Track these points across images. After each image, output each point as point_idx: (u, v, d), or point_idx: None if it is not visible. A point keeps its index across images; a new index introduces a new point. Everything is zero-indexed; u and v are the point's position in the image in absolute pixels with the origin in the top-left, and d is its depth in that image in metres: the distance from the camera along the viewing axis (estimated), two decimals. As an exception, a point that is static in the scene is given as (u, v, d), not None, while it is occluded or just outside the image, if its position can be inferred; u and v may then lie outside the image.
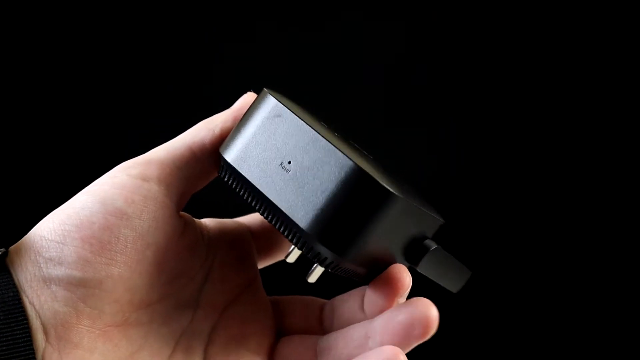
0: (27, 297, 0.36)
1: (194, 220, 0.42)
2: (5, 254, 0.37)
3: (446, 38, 0.86)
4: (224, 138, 0.40)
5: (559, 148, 0.84)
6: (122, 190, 0.38)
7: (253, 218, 0.45)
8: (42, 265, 0.36)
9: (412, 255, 0.40)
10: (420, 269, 0.40)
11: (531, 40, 0.85)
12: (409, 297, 0.38)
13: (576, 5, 0.84)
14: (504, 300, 0.81)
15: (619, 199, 0.82)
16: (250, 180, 0.37)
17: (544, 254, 0.81)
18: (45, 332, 0.35)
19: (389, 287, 0.38)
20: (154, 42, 0.83)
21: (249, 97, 0.41)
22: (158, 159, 0.39)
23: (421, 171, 0.83)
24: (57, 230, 0.37)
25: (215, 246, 0.42)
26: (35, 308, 0.36)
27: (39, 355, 0.35)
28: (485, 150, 0.85)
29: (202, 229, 0.42)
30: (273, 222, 0.37)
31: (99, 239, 0.36)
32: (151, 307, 0.39)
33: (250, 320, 0.42)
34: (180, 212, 0.41)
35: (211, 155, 0.40)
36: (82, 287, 0.36)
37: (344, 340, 0.38)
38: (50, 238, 0.37)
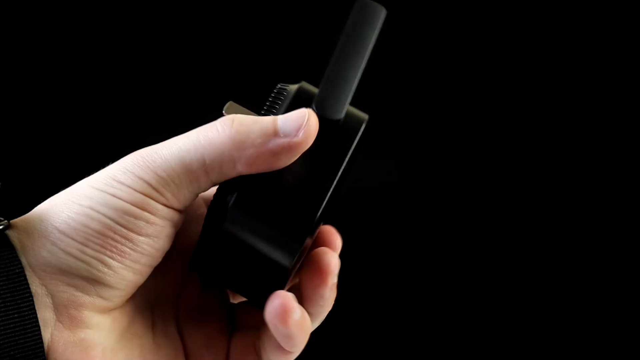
0: (40, 279, 0.38)
1: None
2: (7, 226, 0.38)
3: (445, 38, 0.84)
4: (246, 172, 0.38)
5: (559, 148, 0.84)
6: (143, 210, 0.38)
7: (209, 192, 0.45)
8: (60, 256, 0.38)
9: None
10: None
11: (528, 40, 0.84)
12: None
13: (576, 5, 0.82)
14: (504, 300, 0.81)
15: (618, 198, 0.83)
16: None
17: (543, 254, 0.82)
18: (57, 312, 0.38)
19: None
20: (161, 43, 0.80)
21: (302, 137, 0.37)
22: (173, 184, 0.39)
23: (421, 171, 0.84)
24: (78, 231, 0.38)
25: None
26: (47, 289, 0.38)
27: (47, 332, 0.37)
28: (485, 150, 0.84)
29: None
30: None
31: (121, 249, 0.38)
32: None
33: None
34: None
35: (220, 177, 0.39)
36: (98, 284, 0.38)
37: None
38: (70, 235, 0.38)
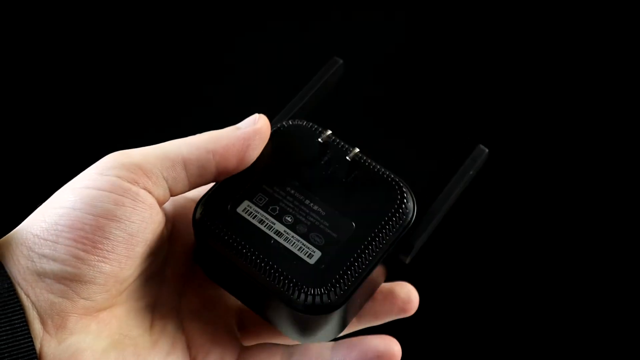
0: (22, 289, 0.38)
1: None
2: None
3: (444, 37, 0.84)
4: (223, 162, 0.41)
5: (558, 148, 0.83)
6: (112, 192, 0.38)
7: (199, 191, 0.46)
8: (35, 260, 0.38)
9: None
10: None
11: (526, 40, 0.84)
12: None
13: (575, 5, 0.82)
14: (504, 300, 0.81)
15: (619, 197, 0.82)
16: None
17: (543, 254, 0.81)
18: (42, 322, 0.38)
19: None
20: (158, 42, 0.80)
21: (259, 123, 0.42)
22: (148, 167, 0.40)
23: (420, 172, 0.83)
24: (49, 230, 0.38)
25: (174, 220, 0.44)
26: (30, 299, 0.37)
27: (37, 343, 0.37)
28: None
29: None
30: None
31: (92, 239, 0.38)
32: (128, 287, 0.41)
33: (212, 285, 0.45)
34: None
35: (201, 173, 0.41)
36: (75, 282, 0.38)
37: (306, 349, 0.42)
38: (42, 236, 0.38)
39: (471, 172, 0.44)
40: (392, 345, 0.41)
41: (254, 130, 0.41)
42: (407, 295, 0.45)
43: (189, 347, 0.43)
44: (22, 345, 0.37)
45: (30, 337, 0.37)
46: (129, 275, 0.40)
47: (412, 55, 0.86)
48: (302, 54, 0.84)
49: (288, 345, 0.43)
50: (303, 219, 0.41)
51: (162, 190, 0.40)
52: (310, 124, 0.44)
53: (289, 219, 0.41)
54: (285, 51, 0.84)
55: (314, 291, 0.39)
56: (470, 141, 0.46)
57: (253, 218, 0.41)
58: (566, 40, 0.86)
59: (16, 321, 0.37)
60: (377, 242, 0.41)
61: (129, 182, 0.39)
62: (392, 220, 0.41)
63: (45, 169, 0.77)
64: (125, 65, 0.82)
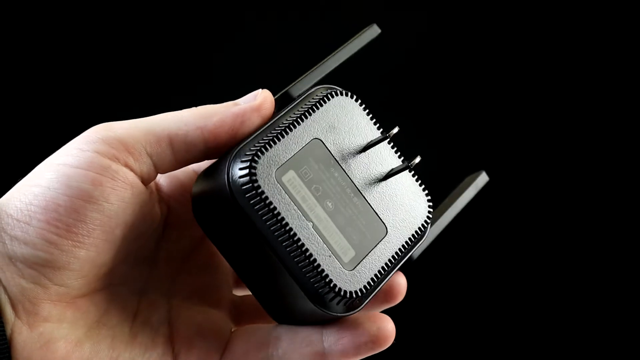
0: None
1: (153, 183, 0.41)
2: None
3: (448, 36, 0.83)
4: (213, 140, 0.38)
5: (558, 148, 0.83)
6: (89, 170, 0.36)
7: (199, 166, 0.43)
8: (7, 242, 0.36)
9: None
10: None
11: (530, 40, 0.83)
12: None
13: (576, 5, 0.81)
14: (503, 300, 0.81)
15: (620, 198, 0.82)
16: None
17: (543, 254, 0.82)
18: (14, 307, 0.36)
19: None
20: (151, 40, 0.80)
21: (259, 99, 0.39)
22: (131, 143, 0.37)
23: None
24: (22, 210, 0.36)
25: (170, 201, 0.41)
26: (2, 283, 0.36)
27: (8, 328, 0.35)
28: (485, 150, 0.84)
29: (158, 188, 0.41)
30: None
31: (65, 222, 0.36)
32: (111, 270, 0.39)
33: (208, 272, 0.42)
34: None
35: (189, 151, 0.38)
36: (48, 267, 0.36)
37: (294, 332, 0.39)
38: (15, 217, 0.36)
39: (470, 193, 0.44)
40: (384, 326, 0.38)
41: (251, 107, 0.39)
42: (391, 283, 0.41)
43: (173, 341, 0.40)
44: None
45: (1, 321, 0.35)
46: (108, 260, 0.38)
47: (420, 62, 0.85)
48: (299, 51, 0.83)
49: (274, 328, 0.40)
50: (342, 209, 0.38)
51: (145, 167, 0.38)
52: (361, 102, 0.40)
53: (329, 204, 0.38)
54: (283, 49, 0.84)
55: (344, 293, 0.36)
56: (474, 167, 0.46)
57: (297, 193, 0.37)
58: (565, 40, 0.85)
59: None
60: (400, 254, 0.39)
61: (109, 158, 0.37)
62: (416, 235, 0.40)
63: (33, 150, 0.76)
64: (121, 63, 0.82)
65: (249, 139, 0.37)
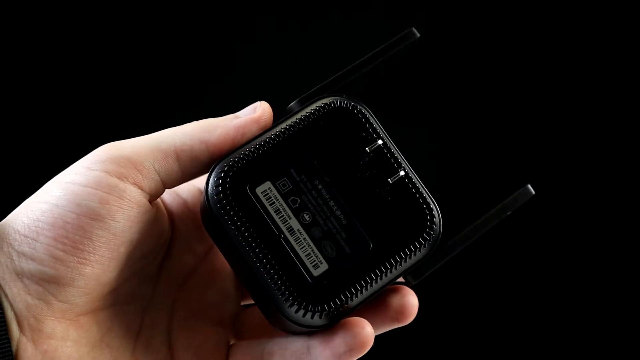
0: (1, 288, 0.36)
1: (159, 201, 0.41)
2: None
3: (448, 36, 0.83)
4: (217, 152, 0.39)
5: (558, 147, 0.83)
6: (97, 189, 0.37)
7: (200, 182, 0.43)
8: (14, 258, 0.37)
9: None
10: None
11: (530, 40, 0.84)
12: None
13: (577, 5, 0.82)
14: (504, 300, 0.81)
15: (622, 198, 0.82)
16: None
17: (544, 253, 0.81)
18: (19, 323, 0.36)
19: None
20: (157, 42, 0.81)
21: (259, 111, 0.40)
22: (138, 160, 0.38)
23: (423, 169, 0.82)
24: (30, 226, 0.37)
25: (176, 218, 0.42)
26: (8, 299, 0.36)
27: (13, 345, 0.36)
28: (486, 149, 0.84)
29: (164, 203, 0.42)
30: None
31: (72, 239, 0.36)
32: (115, 289, 0.39)
33: (210, 289, 0.42)
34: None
35: (194, 164, 0.39)
36: (53, 284, 0.37)
37: (284, 348, 0.39)
38: (23, 233, 0.37)
39: (509, 213, 0.41)
40: (359, 332, 0.37)
41: (251, 120, 0.40)
42: (400, 303, 0.40)
43: None
44: None
45: (8, 338, 0.36)
46: (112, 278, 0.38)
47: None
48: (304, 53, 0.83)
49: (267, 343, 0.40)
50: (321, 222, 0.38)
51: (153, 184, 0.39)
52: (363, 112, 0.39)
53: (307, 217, 0.38)
54: (287, 51, 0.84)
55: (307, 307, 0.36)
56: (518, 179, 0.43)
57: (270, 204, 0.37)
58: (566, 40, 0.85)
59: None
60: (387, 271, 0.38)
61: (117, 177, 0.37)
62: (410, 252, 0.38)
63: (42, 166, 0.78)
64: (125, 65, 0.82)
65: (235, 151, 0.38)
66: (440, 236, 0.39)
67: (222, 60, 0.83)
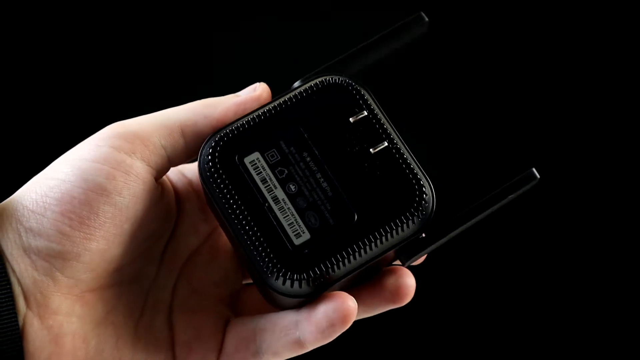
0: (9, 263, 0.37)
1: (165, 181, 0.42)
2: None
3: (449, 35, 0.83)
4: (220, 127, 0.40)
5: (559, 147, 0.83)
6: (104, 164, 0.38)
7: None
8: (22, 234, 0.37)
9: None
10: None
11: (531, 40, 0.84)
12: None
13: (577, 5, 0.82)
14: (504, 300, 0.80)
15: (623, 198, 0.81)
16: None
17: (545, 253, 0.80)
18: (26, 299, 0.37)
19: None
20: (149, 37, 0.81)
21: (258, 90, 0.41)
22: (145, 136, 0.39)
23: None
24: (38, 202, 0.37)
25: (182, 199, 0.42)
26: (16, 275, 0.37)
27: (20, 320, 0.37)
28: (486, 149, 0.83)
29: (171, 184, 0.42)
30: None
31: (79, 214, 0.37)
32: (122, 268, 0.40)
33: (212, 268, 0.43)
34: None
35: (198, 139, 0.40)
36: (60, 259, 0.37)
37: (274, 324, 0.39)
38: (31, 208, 0.37)
39: (511, 196, 0.40)
40: (339, 307, 0.37)
41: (251, 98, 0.41)
42: (395, 283, 0.40)
43: (174, 346, 0.41)
44: (4, 321, 0.36)
45: (15, 313, 0.36)
46: (117, 255, 0.39)
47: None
48: (299, 50, 0.83)
49: (259, 320, 0.40)
50: (306, 193, 0.38)
51: (160, 160, 0.39)
52: (357, 88, 0.40)
53: (292, 187, 0.38)
54: (282, 48, 0.84)
55: (286, 274, 0.37)
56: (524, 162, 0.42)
57: (257, 174, 0.38)
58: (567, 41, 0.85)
59: (2, 296, 0.36)
60: (371, 244, 0.38)
61: (125, 152, 0.38)
62: (396, 226, 0.38)
63: (36, 152, 0.78)
64: (120, 62, 0.82)
65: (231, 124, 0.39)
66: (432, 213, 0.39)
67: (213, 56, 0.84)
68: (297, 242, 0.37)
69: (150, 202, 0.39)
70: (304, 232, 0.38)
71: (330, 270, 0.37)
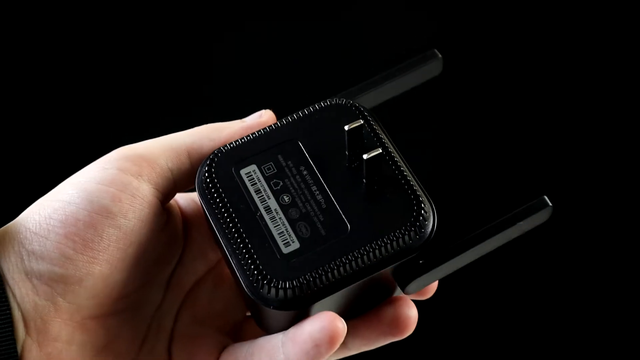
0: (10, 288, 0.36)
1: (173, 207, 0.41)
2: None
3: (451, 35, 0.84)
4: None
5: (559, 147, 0.82)
6: (110, 186, 0.37)
7: None
8: (24, 258, 0.37)
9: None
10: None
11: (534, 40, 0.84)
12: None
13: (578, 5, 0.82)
14: (505, 300, 0.80)
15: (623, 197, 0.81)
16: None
17: (546, 254, 0.80)
18: (26, 324, 0.36)
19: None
20: (151, 40, 0.82)
21: (264, 117, 0.41)
22: (152, 158, 0.39)
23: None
24: (42, 224, 0.37)
25: (190, 225, 0.42)
26: (16, 299, 0.36)
27: (19, 346, 0.36)
28: (488, 149, 0.83)
29: (180, 210, 0.42)
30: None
31: (83, 236, 0.36)
32: (128, 296, 0.39)
33: (216, 296, 0.42)
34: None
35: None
36: (62, 284, 0.36)
37: (261, 347, 0.38)
38: (34, 231, 0.37)
39: (521, 223, 0.38)
40: (325, 327, 0.35)
41: (257, 123, 0.41)
42: (394, 313, 0.39)
43: None
44: (3, 348, 0.36)
45: (14, 340, 0.36)
46: (120, 280, 0.38)
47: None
48: (301, 52, 0.83)
49: (249, 345, 0.39)
50: (300, 204, 0.38)
51: (167, 182, 0.39)
52: (360, 109, 0.40)
53: (286, 198, 0.38)
54: (284, 50, 0.84)
55: (272, 282, 0.36)
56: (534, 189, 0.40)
57: (252, 185, 0.38)
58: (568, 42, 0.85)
59: (2, 322, 0.36)
60: (361, 257, 0.36)
61: (131, 174, 0.38)
62: (392, 240, 0.37)
63: (40, 169, 0.78)
64: (121, 65, 0.82)
65: (231, 143, 0.40)
66: (432, 233, 0.38)
67: (219, 61, 0.84)
68: (285, 250, 0.37)
69: (155, 226, 0.39)
70: (293, 242, 0.37)
71: (317, 280, 0.36)
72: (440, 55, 0.42)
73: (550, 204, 0.38)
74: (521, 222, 0.38)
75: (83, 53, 0.82)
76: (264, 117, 0.41)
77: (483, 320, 0.80)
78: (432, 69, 0.43)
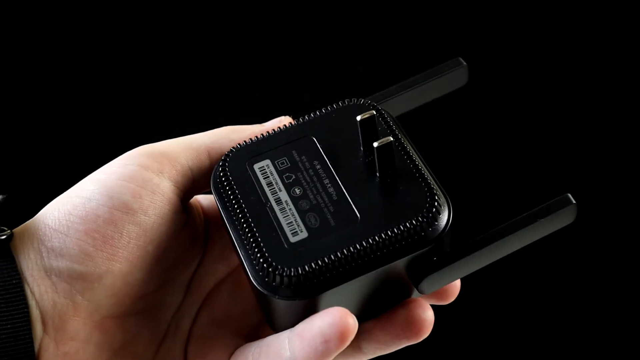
0: (28, 285, 0.36)
1: (195, 207, 0.41)
2: (10, 237, 0.37)
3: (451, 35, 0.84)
4: None
5: (559, 147, 0.82)
6: (131, 183, 0.37)
7: None
8: (44, 255, 0.36)
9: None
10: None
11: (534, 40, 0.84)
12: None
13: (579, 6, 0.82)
14: (506, 300, 0.80)
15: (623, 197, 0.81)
16: None
17: (546, 254, 0.79)
18: (44, 323, 0.36)
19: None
20: (160, 39, 0.82)
21: (284, 123, 0.41)
22: (173, 156, 0.39)
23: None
24: (61, 220, 0.37)
25: (212, 227, 0.42)
26: (35, 297, 0.36)
27: (36, 345, 0.36)
28: (488, 149, 0.83)
29: (202, 211, 0.42)
30: None
31: (103, 233, 0.36)
32: (147, 296, 0.39)
33: (235, 300, 0.42)
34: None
35: None
36: (81, 281, 0.36)
37: (268, 344, 0.37)
38: (54, 227, 0.37)
39: (542, 220, 0.37)
40: (335, 322, 0.34)
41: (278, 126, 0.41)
42: (408, 315, 0.38)
43: None
44: (21, 346, 0.35)
45: (31, 338, 0.35)
46: (140, 279, 0.38)
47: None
48: (304, 52, 0.83)
49: (258, 344, 0.38)
50: (311, 196, 0.38)
51: (187, 181, 0.39)
52: (378, 108, 0.40)
53: (297, 191, 0.38)
54: (288, 50, 0.84)
55: (277, 269, 0.35)
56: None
57: (264, 178, 0.39)
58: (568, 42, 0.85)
59: (18, 320, 0.35)
60: (373, 246, 0.35)
61: (152, 171, 0.38)
62: (402, 231, 0.36)
63: (60, 166, 0.79)
64: (125, 65, 0.83)
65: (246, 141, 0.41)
66: (446, 226, 0.36)
67: (222, 61, 0.84)
68: (293, 240, 0.36)
69: (175, 225, 0.39)
70: (302, 231, 0.37)
71: (324, 268, 0.35)
72: (465, 63, 0.42)
73: (574, 202, 0.37)
74: (542, 219, 0.37)
75: (105, 56, 0.83)
76: (284, 122, 0.41)
77: (503, 326, 0.79)
78: (457, 77, 0.43)
